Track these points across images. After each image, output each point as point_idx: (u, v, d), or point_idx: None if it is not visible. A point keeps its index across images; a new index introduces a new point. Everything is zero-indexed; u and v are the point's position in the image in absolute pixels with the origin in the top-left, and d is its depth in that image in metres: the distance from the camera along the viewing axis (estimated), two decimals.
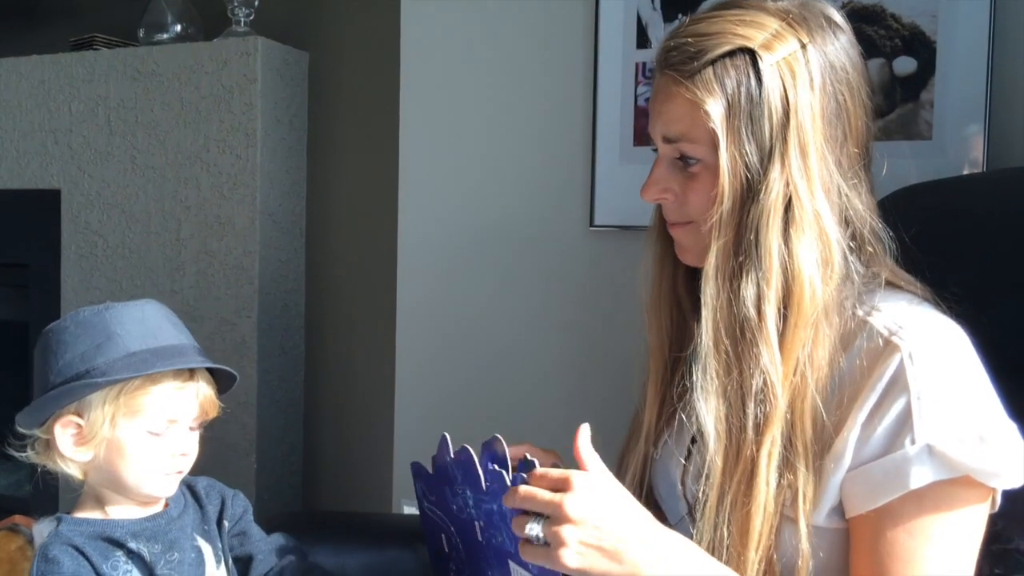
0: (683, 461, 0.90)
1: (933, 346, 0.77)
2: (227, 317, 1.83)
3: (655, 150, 0.89)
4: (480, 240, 1.58)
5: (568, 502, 0.70)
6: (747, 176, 0.79)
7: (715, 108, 0.79)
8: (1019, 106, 1.26)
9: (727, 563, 0.78)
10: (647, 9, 1.44)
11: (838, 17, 0.83)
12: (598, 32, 1.47)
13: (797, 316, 0.78)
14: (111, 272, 1.96)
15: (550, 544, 0.72)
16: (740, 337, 0.79)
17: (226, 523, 1.01)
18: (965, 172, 1.25)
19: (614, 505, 0.73)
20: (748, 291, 0.79)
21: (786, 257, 0.78)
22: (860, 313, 0.80)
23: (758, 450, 0.78)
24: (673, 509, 0.94)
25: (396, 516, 1.57)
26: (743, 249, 0.79)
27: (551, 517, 0.72)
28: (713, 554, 0.79)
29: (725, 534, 0.79)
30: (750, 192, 0.79)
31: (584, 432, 0.77)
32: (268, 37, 1.82)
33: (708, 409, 0.80)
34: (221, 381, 0.98)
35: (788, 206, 0.78)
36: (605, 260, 1.47)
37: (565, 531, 0.70)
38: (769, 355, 0.78)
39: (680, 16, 1.40)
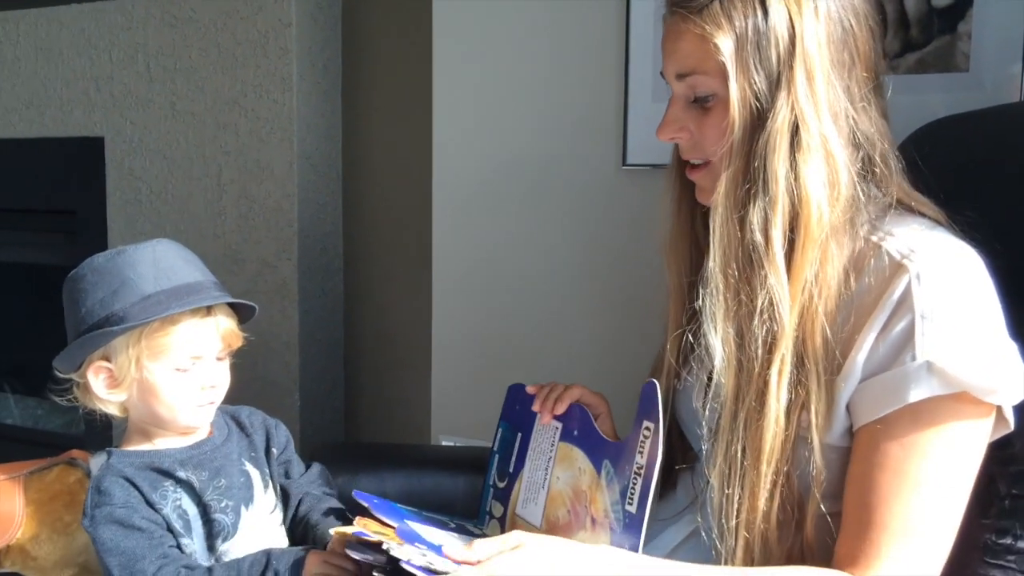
0: (704, 390, 0.93)
1: (941, 268, 0.78)
2: (268, 260, 1.87)
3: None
4: (513, 180, 1.60)
5: None
6: (756, 105, 0.81)
7: (724, 41, 0.80)
8: None
9: (741, 478, 0.82)
10: None
11: None
12: None
13: (804, 238, 0.80)
14: (155, 217, 2.00)
15: None
16: (747, 262, 0.82)
17: (274, 451, 1.05)
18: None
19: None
20: (755, 216, 0.81)
21: (792, 181, 0.80)
22: (873, 238, 0.82)
23: (768, 368, 0.81)
24: (695, 436, 0.97)
25: (434, 447, 1.62)
26: (751, 176, 0.81)
27: None
28: (728, 470, 0.83)
29: (738, 451, 0.82)
30: (759, 120, 0.81)
31: (452, 549, 0.82)
32: None
33: (717, 332, 0.83)
34: (242, 311, 1.00)
35: (795, 131, 0.80)
36: (638, 199, 1.48)
37: None
38: (775, 277, 0.80)
39: None
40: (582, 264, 1.56)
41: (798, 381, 0.81)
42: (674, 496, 0.99)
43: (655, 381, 0.88)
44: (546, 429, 1.01)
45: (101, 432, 1.78)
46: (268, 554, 0.92)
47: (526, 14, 1.55)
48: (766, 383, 0.81)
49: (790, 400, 0.81)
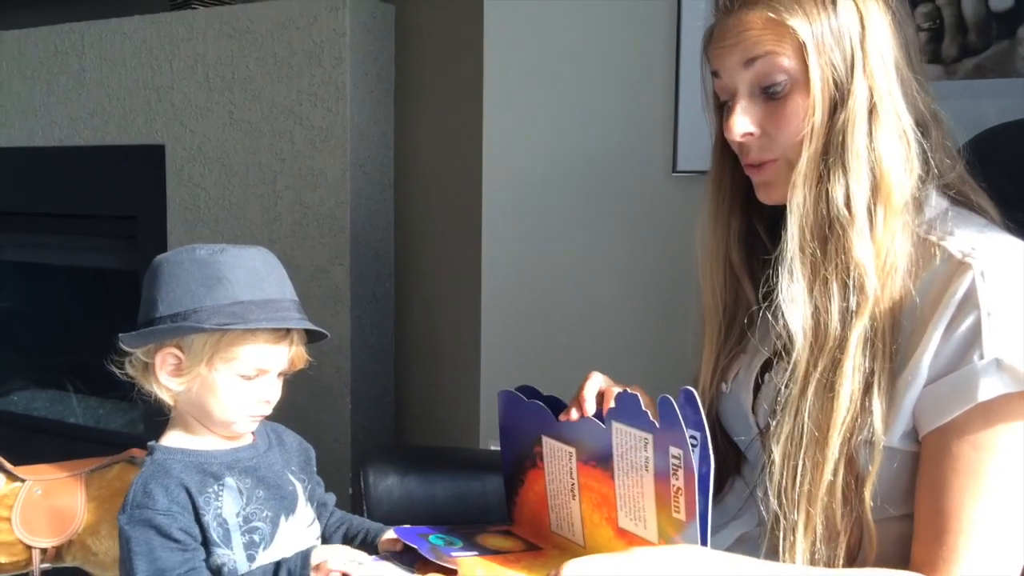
0: (753, 392, 0.94)
1: (1005, 265, 0.78)
2: (321, 265, 1.90)
3: (725, 103, 0.90)
4: (564, 187, 1.60)
5: None
6: (835, 84, 0.83)
7: (799, 23, 0.82)
8: None
9: (807, 450, 0.82)
10: None
11: None
12: None
13: (886, 208, 0.82)
14: (213, 223, 2.05)
15: None
16: (829, 235, 0.83)
17: (312, 468, 1.07)
18: None
19: None
20: (837, 191, 0.82)
21: (872, 156, 0.82)
22: (932, 237, 0.83)
23: (847, 339, 0.81)
24: (743, 440, 0.97)
25: (483, 451, 1.63)
26: (831, 153, 0.83)
27: None
28: (793, 443, 0.83)
29: (806, 420, 0.82)
30: (839, 100, 0.83)
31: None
32: None
33: (795, 312, 0.83)
34: (312, 333, 1.02)
35: (872, 107, 0.82)
36: (687, 205, 1.48)
37: None
38: (862, 244, 0.81)
39: None
40: (631, 269, 1.56)
41: (870, 348, 0.81)
42: (723, 503, 0.98)
43: (691, 389, 0.86)
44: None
45: (161, 433, 1.82)
46: (278, 563, 0.94)
47: (577, 22, 1.56)
48: (843, 352, 0.81)
49: (864, 368, 0.81)
